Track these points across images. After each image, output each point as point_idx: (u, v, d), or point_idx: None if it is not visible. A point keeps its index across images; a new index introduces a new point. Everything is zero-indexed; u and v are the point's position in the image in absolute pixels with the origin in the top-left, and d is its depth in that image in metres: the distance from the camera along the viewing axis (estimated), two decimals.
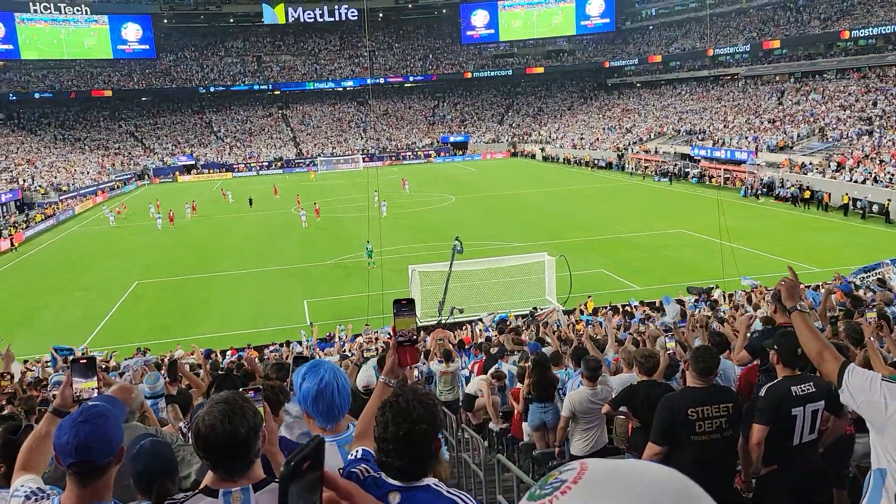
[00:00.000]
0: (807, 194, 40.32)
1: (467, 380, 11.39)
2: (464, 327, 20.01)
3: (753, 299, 15.84)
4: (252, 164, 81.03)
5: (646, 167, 61.00)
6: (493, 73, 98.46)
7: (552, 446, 7.43)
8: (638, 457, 5.56)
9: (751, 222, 35.42)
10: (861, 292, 15.11)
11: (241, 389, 2.60)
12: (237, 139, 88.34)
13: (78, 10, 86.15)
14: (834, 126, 49.04)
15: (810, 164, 43.82)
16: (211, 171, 79.18)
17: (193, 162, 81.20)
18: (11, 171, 62.21)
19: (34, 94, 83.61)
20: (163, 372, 8.92)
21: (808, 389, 4.38)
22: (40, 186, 59.32)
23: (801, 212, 39.28)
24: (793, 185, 42.20)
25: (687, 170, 55.49)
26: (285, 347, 19.33)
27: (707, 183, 51.93)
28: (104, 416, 2.24)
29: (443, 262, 25.14)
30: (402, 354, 2.80)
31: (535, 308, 21.62)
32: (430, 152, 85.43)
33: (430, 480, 2.14)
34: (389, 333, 20.50)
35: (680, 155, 59.46)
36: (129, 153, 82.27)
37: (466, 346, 15.14)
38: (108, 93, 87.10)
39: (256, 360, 11.21)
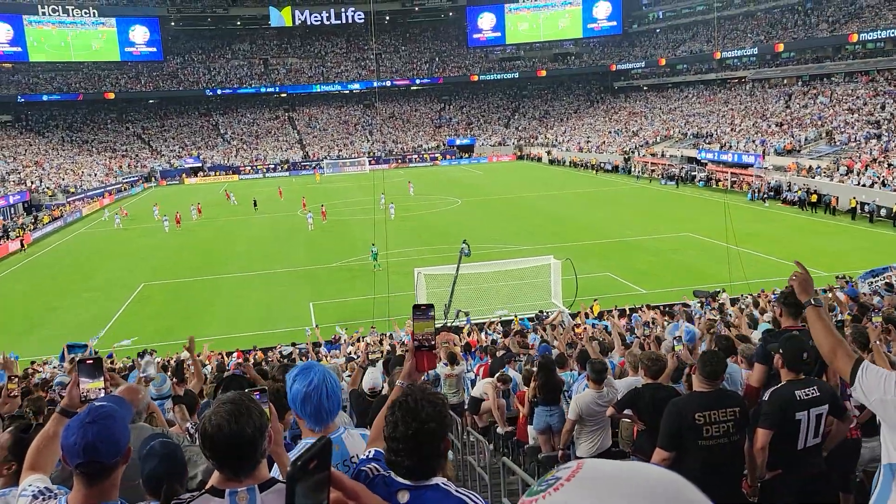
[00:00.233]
0: (814, 198, 40.19)
1: (473, 383, 11.38)
2: (471, 331, 20.00)
3: (760, 303, 15.79)
4: (258, 167, 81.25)
5: (652, 170, 60.90)
6: (499, 76, 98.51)
7: (557, 449, 7.42)
8: (643, 459, 5.55)
9: (758, 226, 35.32)
10: (868, 296, 15.06)
11: (246, 390, 2.61)
12: (244, 141, 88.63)
13: (86, 13, 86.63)
14: (842, 129, 48.87)
15: (818, 167, 43.68)
16: (217, 173, 79.44)
17: (200, 164, 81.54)
18: (19, 173, 62.54)
19: (42, 97, 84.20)
20: (169, 373, 8.95)
21: (813, 394, 4.37)
22: (48, 188, 59.62)
23: (809, 215, 39.14)
24: (800, 189, 42.06)
25: (694, 173, 55.37)
26: (292, 348, 19.34)
27: (714, 186, 51.83)
28: (111, 417, 2.25)
29: (448, 264, 25.13)
30: (420, 359, 2.83)
31: (541, 311, 21.60)
32: (437, 155, 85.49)
33: (439, 480, 2.15)
34: (408, 336, 20.49)
35: (687, 158, 59.34)
36: (136, 155, 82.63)
37: (472, 349, 15.13)
38: (115, 95, 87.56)
39: (256, 366, 11.25)
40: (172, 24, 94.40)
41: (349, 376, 9.55)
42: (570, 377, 8.71)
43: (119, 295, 29.15)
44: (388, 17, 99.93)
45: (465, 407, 10.42)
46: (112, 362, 17.28)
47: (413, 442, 2.08)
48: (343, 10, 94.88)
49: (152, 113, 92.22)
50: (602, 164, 68.69)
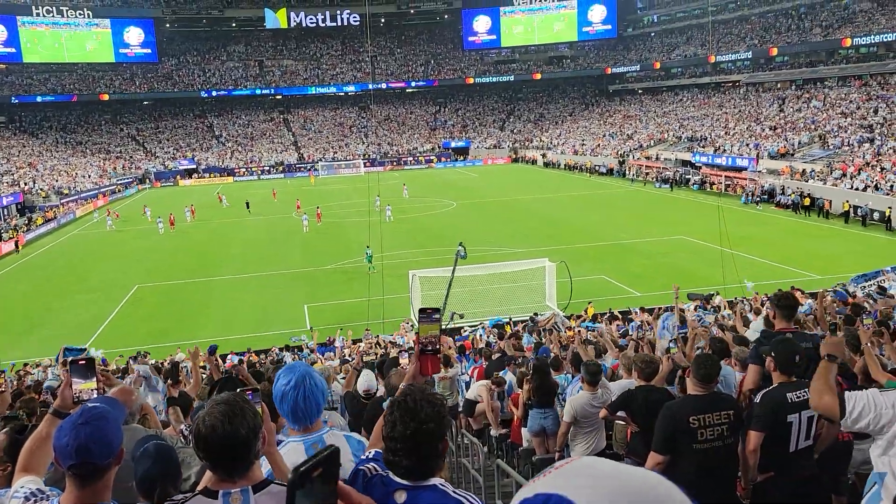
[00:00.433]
0: (807, 201, 40.33)
1: (467, 385, 11.39)
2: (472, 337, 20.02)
3: (754, 305, 15.82)
4: (253, 169, 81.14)
5: (647, 174, 61.04)
6: (494, 79, 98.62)
7: (552, 452, 7.43)
8: (637, 461, 5.56)
9: (751, 229, 35.42)
10: (861, 300, 15.11)
11: (238, 390, 2.61)
12: (239, 143, 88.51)
13: (80, 14, 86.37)
14: (835, 133, 49.08)
15: (812, 171, 43.85)
16: (212, 175, 79.28)
17: (195, 166, 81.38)
18: (13, 174, 62.28)
19: (36, 98, 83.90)
20: (162, 375, 8.92)
21: (804, 396, 4.38)
22: (41, 190, 59.39)
23: (802, 219, 39.28)
24: (793, 193, 42.21)
25: (688, 176, 55.50)
26: (287, 351, 19.32)
27: (708, 190, 51.96)
28: (104, 418, 2.25)
29: (443, 267, 25.16)
30: (424, 362, 2.85)
31: (535, 314, 21.62)
32: (432, 157, 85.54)
33: (436, 480, 2.16)
34: (401, 339, 20.56)
35: (681, 161, 59.49)
36: (131, 157, 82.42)
37: (466, 352, 15.13)
38: (110, 96, 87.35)
39: (251, 367, 11.21)
40: (167, 25, 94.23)
41: (343, 378, 9.55)
42: (564, 380, 8.72)
43: (113, 297, 29.05)
44: (383, 20, 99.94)
45: (460, 409, 10.42)
46: (105, 365, 17.22)
47: (412, 442, 2.08)
48: (338, 12, 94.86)
49: (147, 114, 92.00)
50: (597, 167, 68.82)
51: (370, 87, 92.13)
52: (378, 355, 14.83)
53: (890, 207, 34.75)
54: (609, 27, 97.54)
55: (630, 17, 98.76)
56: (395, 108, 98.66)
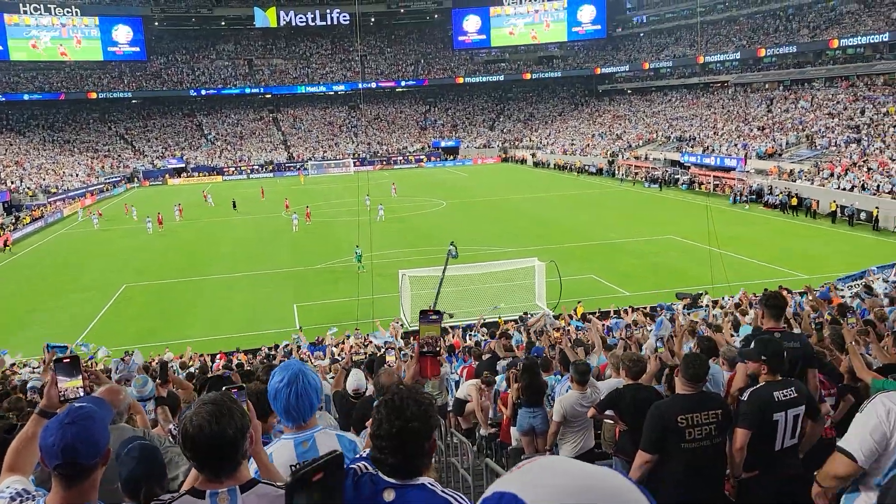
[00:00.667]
0: (794, 201, 40.58)
1: (457, 384, 11.38)
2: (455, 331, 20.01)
3: (742, 305, 15.90)
4: (242, 168, 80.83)
5: (636, 173, 61.25)
6: (484, 79, 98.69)
7: (541, 451, 7.43)
8: (625, 460, 5.58)
9: (739, 229, 35.61)
10: (850, 300, 15.22)
11: (224, 388, 2.60)
12: (228, 142, 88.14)
13: (68, 12, 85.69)
14: (822, 134, 49.41)
15: (800, 171, 44.13)
16: (201, 174, 78.91)
17: (183, 165, 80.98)
18: (0, 173, 61.82)
19: (23, 96, 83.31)
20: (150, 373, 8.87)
21: (791, 395, 4.41)
22: (28, 188, 58.97)
23: (790, 219, 39.51)
24: (781, 193, 42.47)
25: (677, 176, 55.73)
26: (276, 351, 19.26)
27: (697, 190, 52.18)
28: (91, 418, 2.23)
29: (432, 266, 25.15)
30: (424, 364, 2.85)
31: (525, 313, 21.66)
32: (422, 157, 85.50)
33: (424, 479, 2.15)
34: (392, 338, 20.54)
35: (670, 161, 59.73)
36: (119, 156, 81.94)
37: (456, 351, 15.13)
38: (98, 95, 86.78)
39: (239, 367, 11.18)
40: (156, 23, 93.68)
41: (332, 378, 9.53)
42: (553, 380, 8.73)
43: (101, 296, 28.88)
44: (373, 19, 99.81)
45: (449, 409, 10.42)
46: (94, 364, 17.11)
47: (397, 440, 2.08)
48: (328, 11, 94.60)
49: (135, 113, 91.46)
50: (586, 167, 68.99)
51: (360, 86, 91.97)
52: (367, 354, 14.81)
53: (877, 207, 35.02)
54: (598, 27, 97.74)
55: (619, 18, 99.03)
56: (385, 107, 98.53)
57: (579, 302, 22.84)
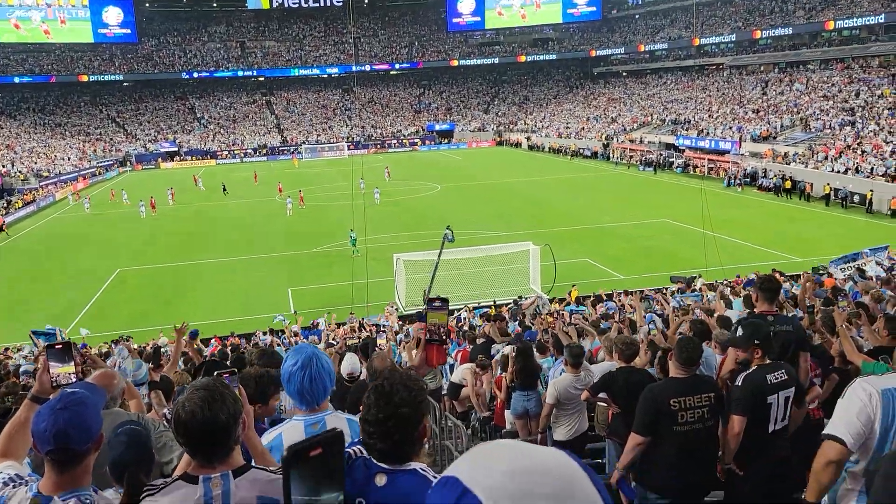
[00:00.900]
0: (788, 184, 40.62)
1: (451, 368, 11.42)
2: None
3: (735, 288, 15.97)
4: (236, 152, 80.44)
5: (630, 157, 61.19)
6: (479, 62, 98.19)
7: (534, 433, 7.48)
8: (618, 443, 5.62)
9: (733, 212, 35.68)
10: (841, 282, 15.29)
11: (215, 373, 2.60)
12: (221, 126, 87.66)
13: None
14: (817, 116, 49.39)
15: (794, 154, 44.14)
16: (194, 158, 78.51)
17: (176, 149, 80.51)
18: None
19: (13, 79, 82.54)
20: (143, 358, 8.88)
21: (782, 377, 4.44)
22: (20, 172, 58.62)
23: (784, 202, 39.57)
24: (775, 176, 42.50)
25: (671, 160, 55.71)
26: (270, 336, 19.28)
27: (691, 173, 52.19)
28: (83, 403, 2.23)
29: (427, 250, 25.13)
30: (430, 352, 2.85)
31: (519, 297, 21.70)
32: (416, 140, 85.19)
33: (416, 465, 2.16)
34: (387, 322, 20.58)
35: (664, 145, 59.67)
36: (111, 139, 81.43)
37: (450, 335, 15.15)
38: (89, 78, 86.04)
39: (234, 351, 11.17)
40: (147, 4, 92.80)
41: None
42: (547, 363, 8.77)
43: (94, 280, 28.81)
44: (366, 1, 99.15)
45: (443, 392, 10.46)
46: (87, 349, 17.11)
47: (385, 426, 2.09)
48: None
49: (127, 96, 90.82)
50: (581, 150, 68.87)
51: (353, 69, 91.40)
52: (360, 339, 14.84)
53: (871, 190, 35.08)
54: (594, 9, 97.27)
55: (614, 0, 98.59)
56: (379, 90, 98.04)
57: (574, 285, 22.89)
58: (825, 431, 3.09)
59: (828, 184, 37.90)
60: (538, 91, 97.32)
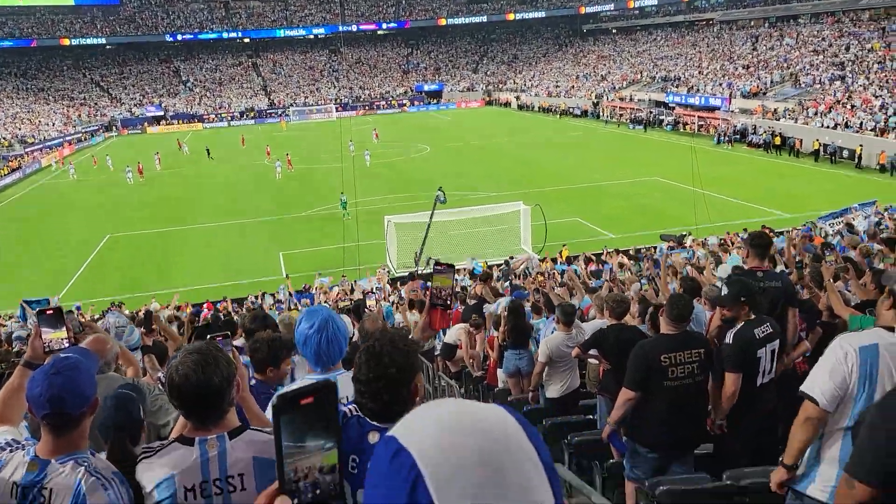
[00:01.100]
0: (777, 140, 40.60)
1: (443, 330, 11.47)
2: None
3: (725, 244, 16.06)
4: (223, 115, 79.50)
5: (620, 115, 60.90)
6: (467, 20, 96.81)
7: (526, 391, 7.57)
8: (609, 399, 5.70)
9: (723, 169, 35.68)
10: (831, 237, 15.40)
11: (209, 337, 2.60)
12: (207, 89, 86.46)
13: None
14: (807, 71, 49.15)
15: (785, 110, 44.02)
16: (180, 122, 77.51)
17: (162, 113, 79.46)
18: None
19: None
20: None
21: (767, 330, 4.51)
22: (4, 139, 57.86)
23: (773, 158, 39.59)
24: (765, 132, 42.45)
25: (661, 117, 55.50)
26: (261, 300, 19.33)
27: (681, 130, 52.05)
28: (76, 368, 2.24)
29: (418, 212, 25.07)
30: (434, 316, 2.86)
31: (511, 257, 21.76)
32: (405, 101, 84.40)
33: None
34: (378, 284, 20.63)
35: (654, 102, 59.38)
36: (96, 104, 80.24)
37: None
38: (70, 41, 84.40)
39: (226, 317, 11.18)
40: None
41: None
42: (540, 322, 8.83)
43: (84, 247, 28.67)
44: None
45: (437, 353, 10.54)
46: (81, 315, 17.10)
47: (374, 386, 2.11)
48: None
49: (110, 59, 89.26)
50: (570, 109, 68.43)
51: (340, 29, 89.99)
52: (352, 301, 14.89)
53: (860, 145, 35.11)
54: None
55: None
56: (367, 51, 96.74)
57: (564, 245, 22.96)
58: (801, 388, 3.11)
59: (817, 139, 37.89)
60: (527, 49, 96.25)
